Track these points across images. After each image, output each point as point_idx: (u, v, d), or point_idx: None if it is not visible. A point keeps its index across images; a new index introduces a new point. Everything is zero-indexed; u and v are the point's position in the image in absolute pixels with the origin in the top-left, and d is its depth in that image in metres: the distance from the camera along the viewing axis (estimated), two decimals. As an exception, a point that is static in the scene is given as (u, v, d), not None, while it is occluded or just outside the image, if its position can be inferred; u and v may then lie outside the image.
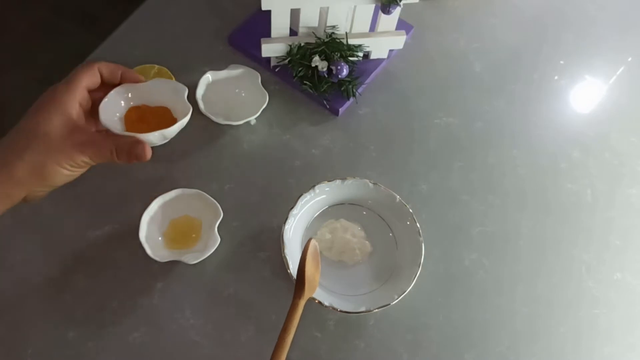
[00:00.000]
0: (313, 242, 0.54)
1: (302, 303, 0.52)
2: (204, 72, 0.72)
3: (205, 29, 0.80)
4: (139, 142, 0.47)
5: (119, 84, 0.51)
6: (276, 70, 0.76)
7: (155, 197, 0.62)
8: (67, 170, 0.45)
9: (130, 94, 0.52)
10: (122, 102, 0.51)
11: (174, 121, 0.52)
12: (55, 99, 0.45)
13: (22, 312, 0.60)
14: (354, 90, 0.73)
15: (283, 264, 0.59)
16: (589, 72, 0.84)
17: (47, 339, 0.58)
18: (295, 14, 0.70)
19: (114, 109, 0.50)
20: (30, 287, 0.61)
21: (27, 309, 0.60)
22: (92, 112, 0.49)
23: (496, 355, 0.62)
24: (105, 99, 0.49)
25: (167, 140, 0.50)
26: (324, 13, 0.70)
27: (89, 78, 0.48)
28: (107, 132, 0.48)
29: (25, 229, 0.64)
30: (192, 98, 0.71)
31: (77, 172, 0.47)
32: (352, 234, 0.65)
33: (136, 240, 0.59)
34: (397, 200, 0.64)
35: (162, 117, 0.53)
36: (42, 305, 0.60)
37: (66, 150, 0.44)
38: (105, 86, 0.50)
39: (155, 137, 0.48)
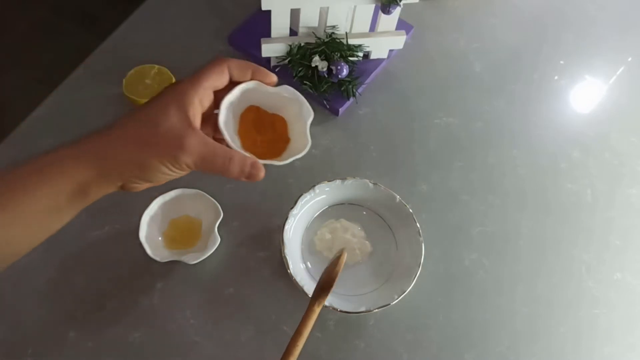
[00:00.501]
0: (344, 255, 0.54)
1: (319, 310, 0.52)
2: (204, 72, 0.72)
3: (205, 29, 0.80)
4: (256, 163, 0.43)
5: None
6: (276, 70, 0.76)
7: (155, 197, 0.62)
8: (167, 169, 0.42)
9: (255, 93, 0.47)
10: (245, 100, 0.47)
11: (286, 137, 0.48)
12: (176, 94, 0.42)
13: (22, 312, 0.60)
14: (354, 90, 0.73)
15: (283, 264, 0.59)
16: (589, 72, 0.84)
17: (47, 339, 0.58)
18: (295, 14, 0.70)
19: (234, 109, 0.46)
20: (30, 287, 0.61)
21: (27, 309, 0.60)
22: (212, 110, 0.45)
23: (496, 355, 0.62)
24: (227, 98, 0.44)
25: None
26: (324, 13, 0.70)
27: (216, 77, 0.43)
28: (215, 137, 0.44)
29: (25, 229, 0.64)
30: (192, 98, 0.71)
31: (176, 174, 0.43)
32: (352, 234, 0.65)
33: (136, 240, 0.59)
34: (397, 200, 0.64)
35: (276, 130, 0.49)
36: (42, 305, 0.60)
37: (172, 149, 0.41)
38: (233, 84, 0.45)
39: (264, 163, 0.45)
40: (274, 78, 0.46)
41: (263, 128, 0.48)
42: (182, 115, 0.41)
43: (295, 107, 0.48)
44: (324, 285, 0.52)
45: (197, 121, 0.42)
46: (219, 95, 0.44)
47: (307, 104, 0.48)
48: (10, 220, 0.39)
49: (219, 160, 0.42)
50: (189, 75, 0.43)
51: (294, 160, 0.45)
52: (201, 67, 0.43)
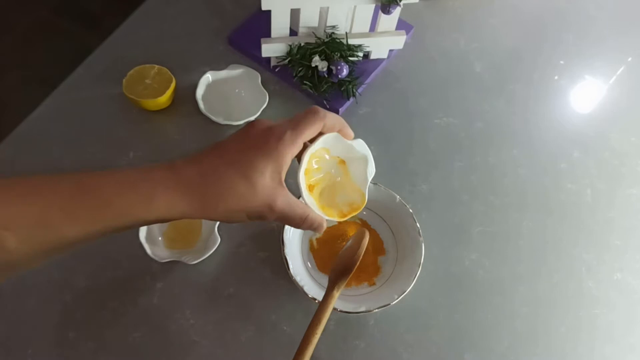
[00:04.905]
0: (367, 235, 0.55)
1: (337, 295, 0.52)
2: (204, 72, 0.72)
3: (205, 29, 0.80)
4: (322, 225, 0.45)
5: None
6: (276, 70, 0.76)
7: (155, 197, 0.62)
8: (247, 219, 0.42)
9: (332, 143, 0.47)
10: (319, 145, 0.46)
11: (347, 190, 0.50)
12: (274, 152, 0.40)
13: (22, 312, 0.60)
14: (354, 90, 0.73)
15: (283, 264, 0.59)
16: (589, 72, 0.84)
17: (47, 339, 0.58)
18: (295, 14, 0.70)
19: (310, 151, 0.46)
20: (30, 287, 0.61)
21: (27, 309, 0.60)
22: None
23: (496, 355, 0.62)
24: (311, 149, 0.44)
25: None
26: (324, 13, 0.70)
27: (314, 131, 0.43)
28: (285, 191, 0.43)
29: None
30: (192, 98, 0.71)
31: (250, 221, 0.43)
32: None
33: (136, 240, 0.59)
34: (397, 200, 0.64)
35: (337, 173, 0.50)
36: (42, 305, 0.60)
37: (262, 209, 0.41)
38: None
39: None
40: (350, 134, 0.47)
41: (326, 169, 0.49)
42: (277, 177, 0.41)
43: (362, 163, 0.49)
44: (346, 268, 0.52)
45: (283, 175, 0.42)
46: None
47: (373, 163, 0.49)
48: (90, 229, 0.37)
49: (296, 219, 0.43)
50: (288, 120, 0.42)
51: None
52: (302, 118, 0.43)
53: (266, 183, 0.40)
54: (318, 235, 0.65)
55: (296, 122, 0.42)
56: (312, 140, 0.44)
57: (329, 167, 0.49)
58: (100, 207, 0.37)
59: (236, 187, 0.40)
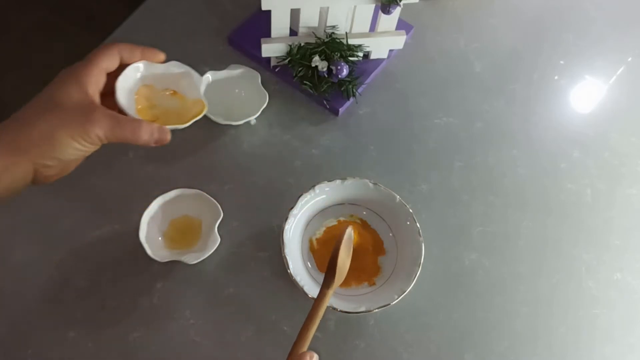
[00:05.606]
0: (348, 231, 0.54)
1: (330, 293, 0.51)
2: (204, 72, 0.72)
3: (205, 29, 0.80)
4: (163, 127, 0.47)
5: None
6: (276, 70, 0.76)
7: (155, 197, 0.62)
8: (78, 144, 0.43)
9: (145, 72, 0.51)
10: (137, 80, 0.51)
11: (184, 106, 0.52)
12: (73, 75, 0.44)
13: (22, 312, 0.60)
14: (354, 90, 0.73)
15: (283, 264, 0.59)
16: (589, 72, 0.84)
17: (47, 339, 0.58)
18: (295, 14, 0.70)
19: (129, 87, 0.49)
20: (30, 287, 0.61)
21: (27, 309, 0.60)
22: (107, 94, 0.47)
23: (496, 355, 0.62)
24: (121, 77, 0.48)
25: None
26: (324, 13, 0.70)
27: (108, 60, 0.46)
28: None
29: (26, 229, 0.64)
30: (192, 98, 0.71)
31: (88, 148, 0.45)
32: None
33: (136, 240, 0.59)
34: (397, 200, 0.64)
35: (172, 102, 0.53)
36: (42, 305, 0.60)
37: (81, 122, 0.43)
38: (124, 67, 0.48)
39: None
40: (161, 55, 0.50)
41: (157, 101, 0.52)
42: (83, 93, 0.44)
43: (187, 79, 0.52)
44: (329, 267, 0.52)
45: (97, 99, 0.45)
46: (111, 79, 0.47)
47: (197, 74, 0.52)
48: None
49: (127, 128, 0.45)
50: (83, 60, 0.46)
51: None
52: (92, 52, 0.46)
53: (75, 101, 0.43)
54: (318, 235, 0.65)
55: (87, 56, 0.46)
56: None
57: (162, 102, 0.52)
58: None
59: (47, 114, 0.43)
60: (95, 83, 0.45)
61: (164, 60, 0.51)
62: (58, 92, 0.44)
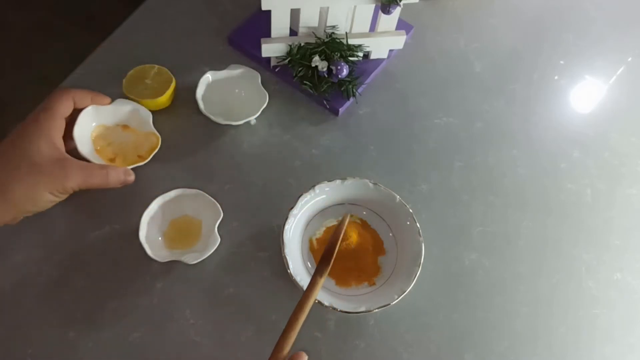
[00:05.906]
0: (347, 219, 0.57)
1: (322, 281, 0.52)
2: (204, 72, 0.72)
3: (205, 29, 0.80)
4: (128, 170, 0.54)
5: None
6: (276, 70, 0.76)
7: (155, 197, 0.62)
8: (54, 197, 0.49)
9: (95, 114, 0.59)
10: (90, 124, 0.59)
11: (138, 140, 0.62)
12: (39, 129, 0.48)
13: (22, 312, 0.60)
14: (354, 90, 0.74)
15: (283, 264, 0.59)
16: (589, 72, 0.84)
17: (47, 339, 0.58)
18: (295, 14, 0.70)
19: (85, 134, 0.57)
20: (30, 287, 0.61)
21: (27, 309, 0.60)
22: (64, 136, 0.52)
23: (496, 355, 0.62)
24: (76, 128, 0.55)
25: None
26: (324, 13, 0.70)
27: (65, 107, 0.51)
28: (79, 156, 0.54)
29: (25, 229, 0.64)
30: (192, 98, 0.71)
31: (61, 198, 0.50)
32: (352, 234, 0.65)
33: (136, 240, 0.59)
34: (397, 200, 0.64)
35: (126, 136, 0.62)
36: (42, 305, 0.60)
37: (59, 179, 0.47)
38: (77, 111, 0.54)
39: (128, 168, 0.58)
40: (107, 100, 0.59)
41: (111, 138, 0.61)
42: (53, 147, 0.48)
43: (135, 114, 0.63)
44: (325, 255, 0.53)
45: (62, 147, 0.50)
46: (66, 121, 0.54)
47: (143, 108, 0.63)
48: None
49: (97, 177, 0.51)
50: (37, 109, 0.50)
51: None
52: (48, 98, 0.51)
53: (47, 158, 0.47)
54: (318, 235, 0.65)
55: (45, 103, 0.51)
56: (73, 122, 0.55)
57: (116, 138, 0.61)
58: None
59: (24, 178, 0.47)
60: (59, 133, 0.50)
61: (109, 102, 0.58)
62: (30, 150, 0.47)
